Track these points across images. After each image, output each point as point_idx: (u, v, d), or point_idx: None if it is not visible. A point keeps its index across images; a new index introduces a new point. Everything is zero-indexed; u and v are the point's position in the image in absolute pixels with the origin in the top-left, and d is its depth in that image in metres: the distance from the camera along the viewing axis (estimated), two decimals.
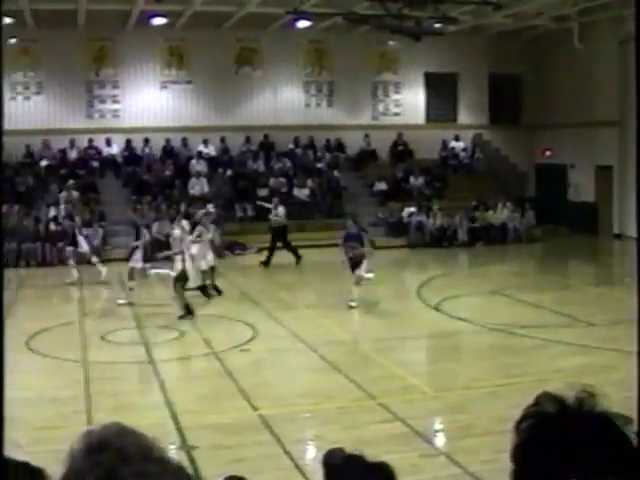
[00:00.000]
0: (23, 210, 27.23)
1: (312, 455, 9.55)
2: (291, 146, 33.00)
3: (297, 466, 8.99)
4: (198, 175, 30.54)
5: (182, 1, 27.84)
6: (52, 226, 26.91)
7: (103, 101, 31.91)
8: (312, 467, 8.69)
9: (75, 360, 14.14)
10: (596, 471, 1.59)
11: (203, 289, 19.27)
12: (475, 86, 34.90)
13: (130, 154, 31.34)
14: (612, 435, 1.65)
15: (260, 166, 31.83)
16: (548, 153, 34.14)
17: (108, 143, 31.47)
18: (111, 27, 30.55)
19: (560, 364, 12.97)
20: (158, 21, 29.48)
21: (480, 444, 9.45)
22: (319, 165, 32.47)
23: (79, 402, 11.47)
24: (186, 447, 9.36)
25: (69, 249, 22.46)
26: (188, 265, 17.96)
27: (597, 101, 30.59)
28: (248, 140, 32.59)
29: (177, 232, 18.99)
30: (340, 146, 33.44)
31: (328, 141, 33.41)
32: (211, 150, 32.09)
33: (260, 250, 25.75)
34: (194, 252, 19.05)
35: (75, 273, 21.71)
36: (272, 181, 30.80)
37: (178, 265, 17.62)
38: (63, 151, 30.93)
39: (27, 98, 31.15)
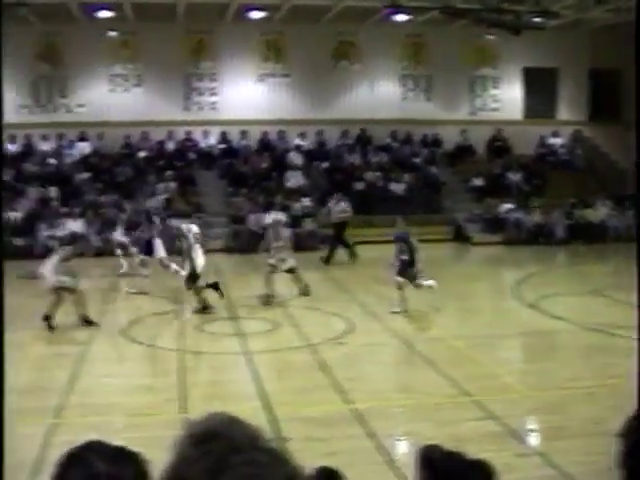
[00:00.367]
0: (121, 200, 27.69)
1: (405, 450, 9.49)
2: (388, 140, 32.90)
3: (389, 461, 8.94)
4: (294, 168, 30.68)
5: None
6: None
7: (201, 93, 32.27)
8: (404, 462, 8.63)
9: (170, 349, 14.33)
10: None
11: (215, 286, 18.02)
12: (574, 81, 34.35)
13: (227, 146, 31.62)
14: None
15: (356, 159, 31.82)
16: None
17: (205, 135, 31.82)
18: (210, 20, 30.85)
19: None
20: (256, 14, 29.59)
21: (574, 445, 9.28)
22: (415, 160, 32.30)
23: (173, 390, 11.61)
24: (280, 439, 9.37)
25: (144, 259, 20.62)
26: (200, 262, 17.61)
27: None
28: (345, 134, 32.58)
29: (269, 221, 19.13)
30: (437, 141, 33.24)
31: (425, 136, 33.23)
32: (307, 143, 32.20)
33: (355, 243, 25.58)
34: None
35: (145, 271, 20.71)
36: (368, 175, 30.78)
37: (199, 261, 17.54)
38: (161, 143, 31.35)
39: (126, 90, 31.69)
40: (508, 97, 34.39)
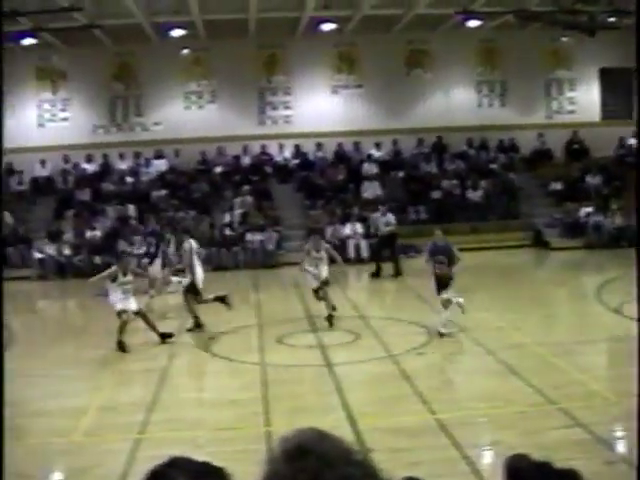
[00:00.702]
0: (199, 216, 27.94)
1: (490, 460, 9.38)
2: (464, 147, 32.71)
3: (475, 471, 8.85)
4: (371, 178, 30.65)
5: (351, 6, 28.06)
6: (227, 231, 27.59)
7: (275, 107, 32.47)
8: (490, 472, 8.53)
9: (253, 363, 14.38)
10: None
11: (223, 299, 17.87)
12: None
13: (302, 159, 31.72)
14: None
15: (432, 168, 31.68)
16: None
17: (281, 148, 31.97)
18: (281, 34, 31.06)
19: None
20: (327, 27, 29.67)
21: None
22: (492, 166, 32.04)
23: (257, 404, 11.63)
24: (365, 450, 9.33)
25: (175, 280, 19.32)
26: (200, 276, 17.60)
27: None
28: (420, 142, 32.47)
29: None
30: (514, 146, 32.94)
31: (501, 141, 32.96)
32: (383, 153, 32.16)
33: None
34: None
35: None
36: (445, 183, 30.64)
37: (198, 275, 17.52)
38: (237, 158, 31.62)
39: (201, 107, 32.09)
40: (585, 99, 33.95)
